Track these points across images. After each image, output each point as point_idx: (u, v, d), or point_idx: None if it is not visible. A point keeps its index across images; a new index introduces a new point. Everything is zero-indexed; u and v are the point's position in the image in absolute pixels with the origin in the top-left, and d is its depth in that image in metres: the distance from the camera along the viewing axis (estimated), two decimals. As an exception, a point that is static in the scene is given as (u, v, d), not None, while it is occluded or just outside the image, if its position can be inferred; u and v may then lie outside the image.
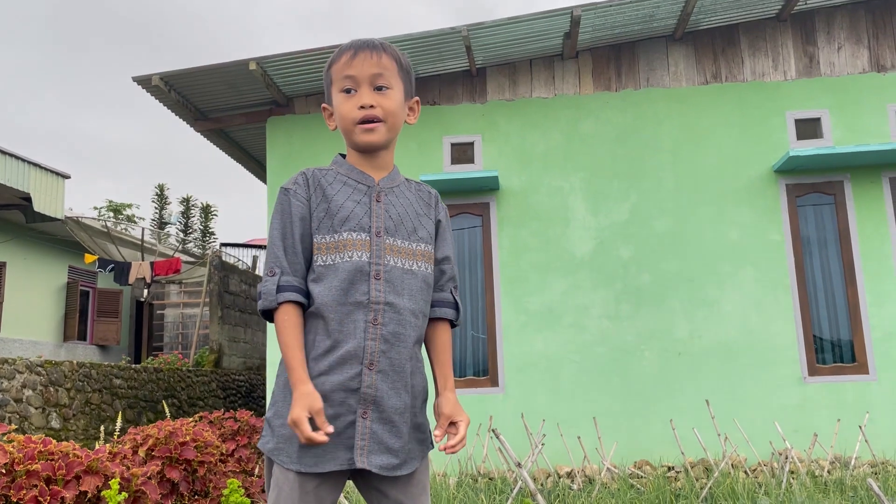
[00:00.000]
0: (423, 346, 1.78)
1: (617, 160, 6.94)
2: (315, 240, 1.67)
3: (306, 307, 1.65)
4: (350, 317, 1.61)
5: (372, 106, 1.68)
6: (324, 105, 1.82)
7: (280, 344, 1.61)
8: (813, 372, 6.45)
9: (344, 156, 1.80)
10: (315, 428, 1.52)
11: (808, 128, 6.87)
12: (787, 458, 5.19)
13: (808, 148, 6.49)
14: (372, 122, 1.69)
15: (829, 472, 5.35)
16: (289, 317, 1.62)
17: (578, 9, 6.33)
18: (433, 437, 1.72)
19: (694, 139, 6.92)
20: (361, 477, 1.65)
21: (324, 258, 1.65)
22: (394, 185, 1.77)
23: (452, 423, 1.66)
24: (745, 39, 7.09)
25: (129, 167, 60.53)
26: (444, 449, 1.63)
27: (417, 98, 1.84)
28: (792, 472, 5.31)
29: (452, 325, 1.82)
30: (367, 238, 1.66)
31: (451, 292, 1.81)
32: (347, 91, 1.70)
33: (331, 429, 1.53)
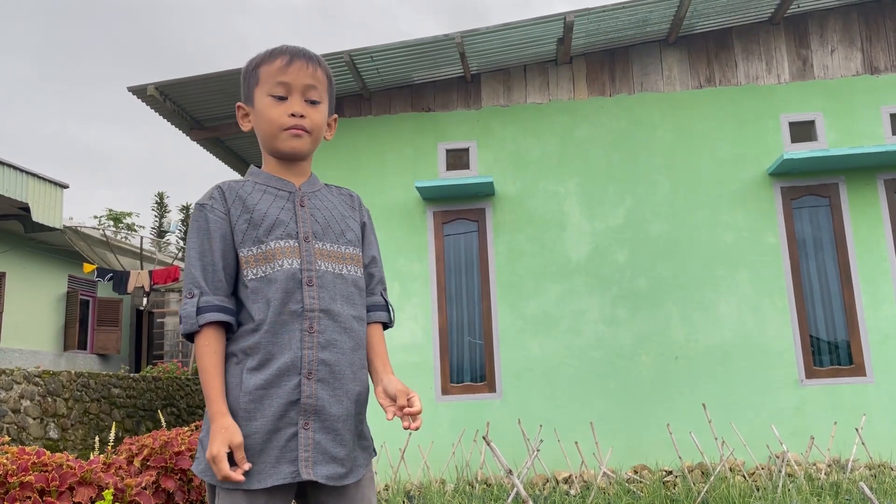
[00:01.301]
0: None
1: (612, 165, 6.96)
2: (241, 254, 1.61)
3: (232, 325, 1.59)
4: (285, 327, 1.56)
5: (302, 115, 1.66)
6: (239, 104, 1.75)
7: (200, 370, 1.55)
8: (810, 374, 6.44)
9: (259, 166, 1.76)
10: (233, 464, 1.49)
11: (803, 130, 6.89)
12: (784, 462, 5.19)
13: (803, 151, 6.49)
14: (300, 129, 1.66)
15: (826, 474, 5.34)
16: (209, 342, 1.56)
17: (572, 14, 6.35)
18: (386, 417, 1.66)
19: (688, 143, 6.93)
20: (309, 492, 1.61)
21: (254, 271, 1.59)
22: (315, 189, 1.74)
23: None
24: (739, 43, 7.10)
25: (127, 176, 60.64)
26: (410, 427, 1.57)
27: (336, 115, 1.82)
28: (789, 476, 5.31)
29: (386, 326, 1.79)
30: (296, 244, 1.62)
31: (382, 294, 1.79)
32: (278, 97, 1.66)
33: (248, 466, 1.49)
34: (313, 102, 1.68)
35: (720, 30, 7.12)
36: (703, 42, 7.14)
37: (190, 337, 1.59)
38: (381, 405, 1.64)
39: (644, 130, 6.99)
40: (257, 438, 1.52)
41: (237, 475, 1.46)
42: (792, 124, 6.88)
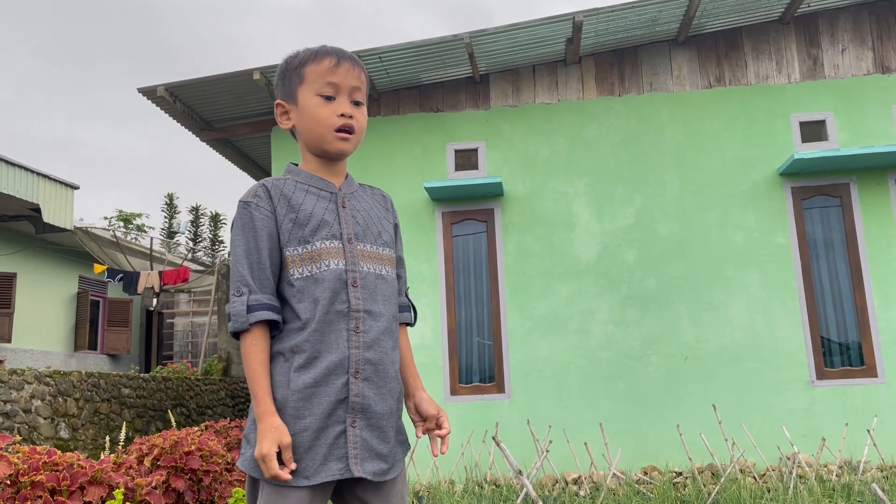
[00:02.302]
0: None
1: (621, 165, 6.94)
2: (286, 252, 1.62)
3: (279, 323, 1.61)
4: (332, 326, 1.59)
5: (351, 116, 1.68)
6: (279, 101, 1.75)
7: (247, 369, 1.57)
8: (821, 375, 6.41)
9: (295, 164, 1.77)
10: (282, 463, 1.52)
11: (813, 130, 6.85)
12: (795, 463, 5.15)
13: (814, 150, 6.46)
14: (348, 131, 1.68)
15: (837, 476, 5.31)
16: (257, 341, 1.57)
17: (580, 14, 6.34)
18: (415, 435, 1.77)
19: (698, 143, 6.90)
20: (345, 488, 1.64)
21: (300, 271, 1.61)
22: (352, 190, 1.76)
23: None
24: (749, 43, 7.07)
25: (133, 177, 60.87)
26: (438, 452, 1.68)
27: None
28: (800, 477, 5.28)
29: (408, 327, 1.86)
30: (341, 245, 1.64)
31: (406, 295, 1.84)
32: (326, 97, 1.67)
33: (294, 466, 1.51)
34: (358, 104, 1.70)
35: (730, 29, 7.09)
36: (712, 41, 7.11)
37: (237, 335, 1.60)
38: (412, 420, 1.73)
39: (653, 130, 6.97)
40: (306, 436, 1.54)
41: (285, 474, 1.49)
42: (802, 124, 6.85)
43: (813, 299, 6.56)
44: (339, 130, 1.67)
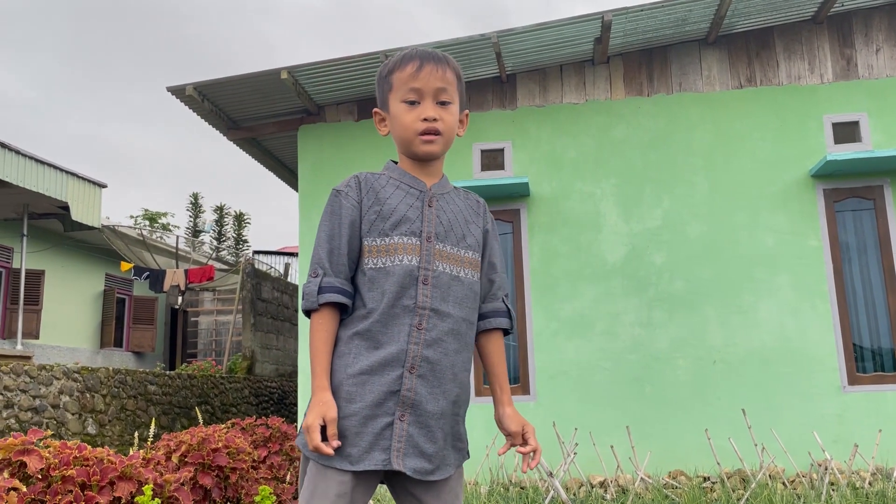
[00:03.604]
0: (478, 355, 1.84)
1: (649, 166, 6.87)
2: (365, 243, 1.68)
3: (349, 307, 1.66)
4: (396, 320, 1.63)
5: (435, 119, 1.71)
6: (376, 110, 1.82)
7: (311, 346, 1.64)
8: (853, 381, 6.30)
9: (395, 162, 1.82)
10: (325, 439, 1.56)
11: (846, 131, 6.73)
12: (826, 469, 5.06)
13: (846, 152, 6.35)
14: (433, 134, 1.72)
15: (870, 483, 5.21)
16: (324, 321, 1.64)
17: (609, 13, 6.29)
18: (499, 451, 1.79)
19: (728, 144, 6.82)
20: (396, 480, 1.66)
21: (374, 261, 1.66)
22: (444, 191, 1.79)
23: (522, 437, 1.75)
24: (781, 42, 6.97)
25: (158, 177, 61.52)
26: (527, 468, 1.71)
27: (468, 111, 1.87)
28: (832, 484, 5.18)
29: (506, 332, 1.85)
30: (418, 242, 1.68)
31: (504, 301, 1.83)
32: (411, 102, 1.72)
33: (337, 443, 1.55)
34: (444, 103, 1.73)
35: (761, 29, 7.00)
36: (743, 41, 7.02)
37: (307, 313, 1.68)
38: (503, 434, 1.78)
39: (682, 131, 6.90)
40: (355, 421, 1.58)
41: (327, 448, 1.53)
42: (835, 125, 6.74)
43: (845, 303, 6.45)
44: (423, 133, 1.71)
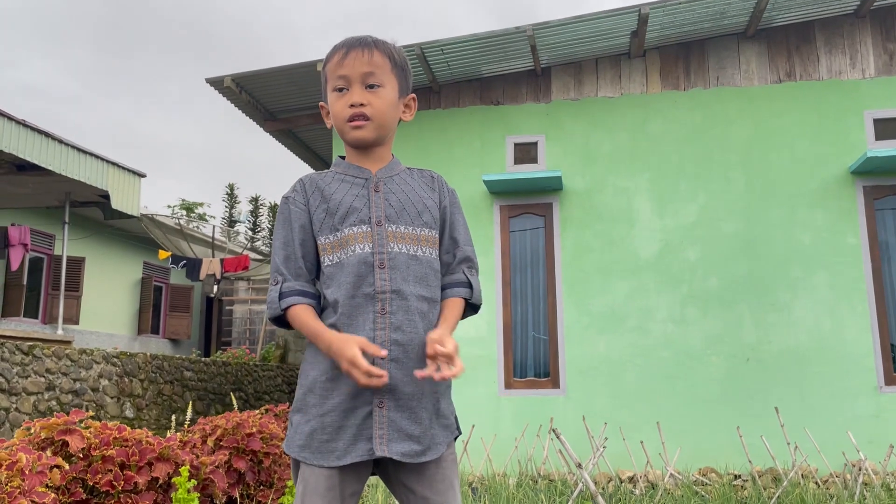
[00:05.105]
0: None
1: (685, 160, 6.81)
2: (320, 241, 1.68)
3: (315, 307, 1.67)
4: (359, 310, 1.61)
5: (361, 104, 1.69)
6: (321, 104, 1.82)
7: (305, 333, 1.65)
8: (890, 381, 6.19)
9: (343, 157, 1.81)
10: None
11: (888, 128, 6.60)
12: (860, 470, 5.00)
13: (888, 148, 6.23)
14: (362, 119, 1.69)
15: (906, 486, 5.12)
16: (301, 311, 1.64)
17: (647, 7, 6.24)
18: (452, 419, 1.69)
19: (766, 139, 6.73)
20: (387, 471, 1.66)
21: (330, 258, 1.67)
22: (392, 174, 1.76)
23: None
24: (821, 36, 6.86)
25: (189, 167, 62.38)
26: (447, 375, 1.55)
27: (414, 95, 1.83)
28: (865, 484, 5.11)
29: (470, 305, 1.75)
30: (368, 229, 1.66)
31: (465, 272, 1.76)
32: (339, 90, 1.71)
33: (384, 353, 1.54)
34: (373, 86, 1.70)
35: (802, 23, 6.89)
36: (783, 35, 6.91)
37: (276, 321, 1.69)
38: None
39: (719, 126, 6.82)
40: (334, 416, 1.59)
41: (379, 370, 1.52)
42: (876, 121, 6.61)
43: (883, 303, 6.34)
44: (350, 119, 1.69)
